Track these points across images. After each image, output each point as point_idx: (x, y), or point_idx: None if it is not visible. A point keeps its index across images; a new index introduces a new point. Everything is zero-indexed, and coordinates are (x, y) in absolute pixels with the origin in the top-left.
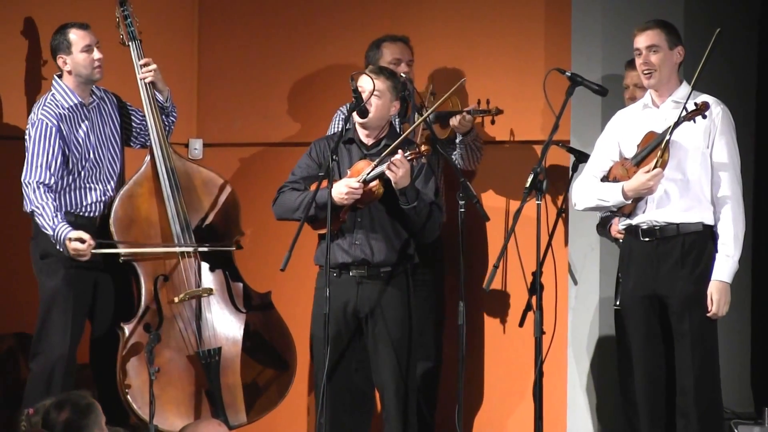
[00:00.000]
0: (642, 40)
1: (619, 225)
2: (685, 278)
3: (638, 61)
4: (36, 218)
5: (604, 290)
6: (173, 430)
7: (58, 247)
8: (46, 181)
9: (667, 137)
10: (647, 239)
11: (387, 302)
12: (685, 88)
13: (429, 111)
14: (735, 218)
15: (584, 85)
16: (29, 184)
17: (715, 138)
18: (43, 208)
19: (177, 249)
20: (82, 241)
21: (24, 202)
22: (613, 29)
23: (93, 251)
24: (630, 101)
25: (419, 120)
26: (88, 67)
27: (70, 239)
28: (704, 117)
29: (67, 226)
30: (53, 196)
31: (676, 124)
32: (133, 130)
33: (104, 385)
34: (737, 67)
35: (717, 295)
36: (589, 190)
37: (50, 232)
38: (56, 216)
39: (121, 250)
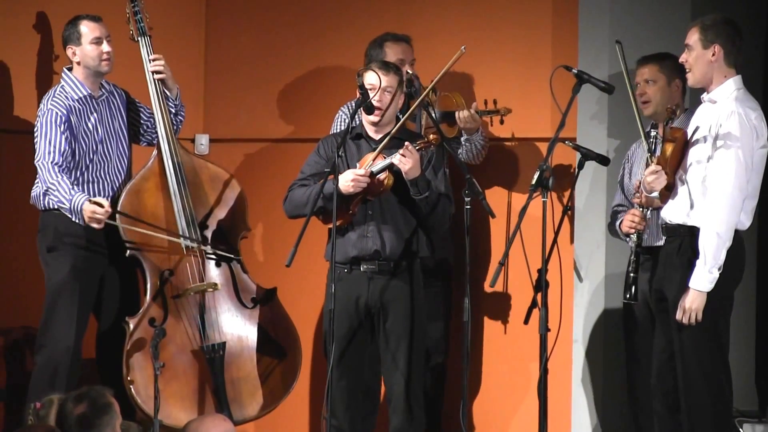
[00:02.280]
0: (686, 39)
1: None
2: (676, 282)
3: None
4: (52, 195)
5: (609, 288)
6: (178, 424)
7: (74, 219)
8: (58, 162)
9: (643, 137)
10: (664, 236)
11: (397, 296)
12: (727, 86)
13: (428, 87)
14: (711, 225)
15: (591, 83)
16: (44, 165)
17: (716, 139)
18: (59, 183)
19: (182, 241)
20: (101, 206)
21: (38, 183)
22: (620, 26)
23: (107, 220)
24: (641, 97)
25: (416, 102)
26: (96, 59)
27: (90, 201)
28: (666, 123)
29: (84, 195)
30: (67, 175)
31: (648, 130)
32: (141, 126)
33: (110, 380)
34: (744, 65)
35: (682, 302)
36: None
37: (66, 205)
38: (72, 188)
39: (127, 226)
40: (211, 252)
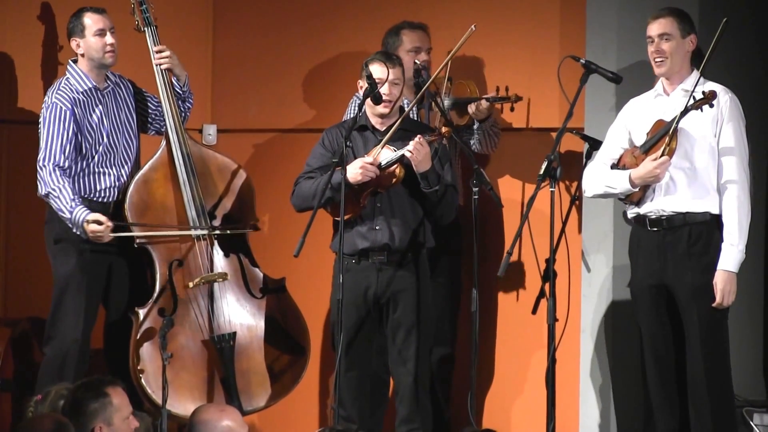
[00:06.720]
0: (654, 28)
1: (628, 214)
2: (692, 269)
3: (650, 49)
4: (52, 201)
5: (617, 277)
6: (187, 414)
7: (75, 231)
8: (62, 164)
9: (675, 125)
10: (655, 229)
11: (405, 286)
12: (695, 77)
13: (439, 68)
14: (739, 206)
15: (599, 73)
16: (44, 167)
17: (722, 126)
18: (60, 190)
19: (192, 232)
20: (99, 223)
21: (39, 186)
22: (628, 16)
23: (111, 234)
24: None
25: (423, 89)
26: (100, 51)
27: (87, 221)
28: (711, 106)
29: (84, 208)
30: (69, 180)
31: (684, 113)
32: (149, 116)
33: (117, 370)
34: (749, 57)
35: (721, 285)
36: (598, 178)
37: (67, 216)
38: (74, 199)
39: (137, 234)
40: (226, 232)
